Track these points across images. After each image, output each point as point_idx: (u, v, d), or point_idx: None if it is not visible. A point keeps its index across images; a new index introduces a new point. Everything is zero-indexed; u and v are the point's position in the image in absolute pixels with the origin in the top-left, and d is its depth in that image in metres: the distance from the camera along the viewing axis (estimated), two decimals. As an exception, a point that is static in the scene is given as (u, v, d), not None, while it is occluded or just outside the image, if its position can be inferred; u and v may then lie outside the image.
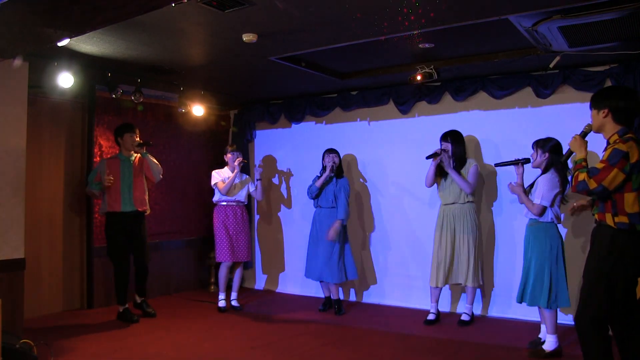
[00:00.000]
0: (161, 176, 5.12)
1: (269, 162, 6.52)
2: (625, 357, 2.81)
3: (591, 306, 2.74)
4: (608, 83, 4.43)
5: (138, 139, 4.94)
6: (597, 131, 2.93)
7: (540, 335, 4.04)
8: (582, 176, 2.74)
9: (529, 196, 3.95)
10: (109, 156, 5.20)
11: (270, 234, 6.50)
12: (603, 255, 2.73)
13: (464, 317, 4.76)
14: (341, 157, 5.37)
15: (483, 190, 5.12)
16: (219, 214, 5.29)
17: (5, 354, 3.28)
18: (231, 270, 5.48)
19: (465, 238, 4.68)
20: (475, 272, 4.68)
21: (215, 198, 5.35)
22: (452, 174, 4.69)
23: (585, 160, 2.85)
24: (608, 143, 2.84)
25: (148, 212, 5.07)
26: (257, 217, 6.59)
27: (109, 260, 4.95)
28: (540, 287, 3.77)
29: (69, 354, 3.87)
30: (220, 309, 5.29)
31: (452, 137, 4.76)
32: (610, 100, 2.84)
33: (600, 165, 2.70)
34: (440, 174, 4.82)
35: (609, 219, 2.74)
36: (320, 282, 5.35)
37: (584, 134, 2.96)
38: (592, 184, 2.68)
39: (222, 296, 5.35)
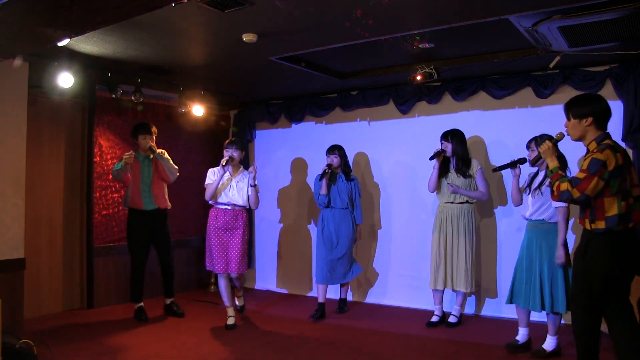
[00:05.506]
0: (177, 174, 5.10)
1: (268, 162, 6.52)
2: (613, 343, 2.92)
3: (579, 305, 2.92)
4: (608, 83, 4.43)
5: (153, 141, 4.94)
6: (577, 140, 2.99)
7: (517, 338, 3.94)
8: (565, 186, 2.86)
9: (525, 195, 3.95)
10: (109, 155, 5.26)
11: (268, 234, 6.49)
12: (578, 258, 2.93)
13: (452, 319, 4.67)
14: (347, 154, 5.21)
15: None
16: (210, 218, 4.69)
17: (5, 354, 3.28)
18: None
19: (462, 240, 4.56)
20: (470, 278, 4.56)
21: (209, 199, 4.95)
22: (462, 192, 4.54)
23: (560, 168, 2.99)
24: (588, 150, 2.93)
25: (169, 207, 5.10)
26: (256, 217, 6.59)
27: (128, 256, 4.97)
28: (556, 291, 3.71)
29: (69, 354, 3.86)
30: (227, 327, 4.61)
31: (453, 136, 4.60)
32: (593, 106, 2.91)
33: (581, 175, 2.82)
34: (442, 174, 4.68)
35: (587, 225, 2.89)
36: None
37: (555, 142, 3.07)
38: (576, 193, 2.82)
39: (229, 312, 4.67)
